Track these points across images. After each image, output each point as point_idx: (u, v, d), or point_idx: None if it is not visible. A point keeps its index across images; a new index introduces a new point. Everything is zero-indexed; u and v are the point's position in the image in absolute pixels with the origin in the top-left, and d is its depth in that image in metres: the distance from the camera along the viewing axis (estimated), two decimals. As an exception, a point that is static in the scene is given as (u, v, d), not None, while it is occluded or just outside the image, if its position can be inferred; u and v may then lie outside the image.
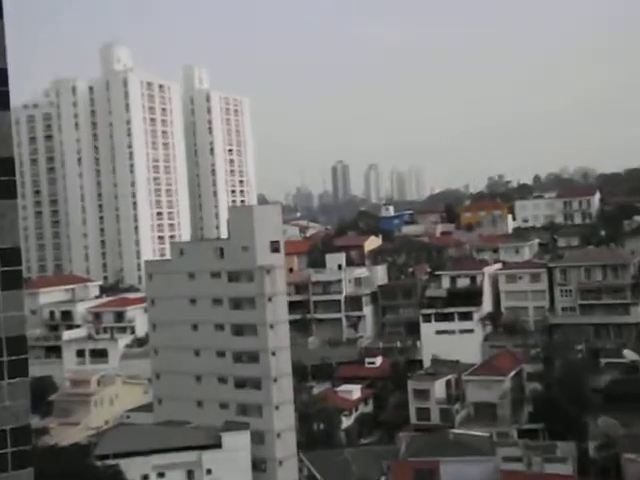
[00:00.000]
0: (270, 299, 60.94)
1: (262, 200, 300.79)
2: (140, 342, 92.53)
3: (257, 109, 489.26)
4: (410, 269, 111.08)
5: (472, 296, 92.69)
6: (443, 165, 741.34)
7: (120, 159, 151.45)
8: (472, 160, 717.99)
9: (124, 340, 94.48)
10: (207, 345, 63.62)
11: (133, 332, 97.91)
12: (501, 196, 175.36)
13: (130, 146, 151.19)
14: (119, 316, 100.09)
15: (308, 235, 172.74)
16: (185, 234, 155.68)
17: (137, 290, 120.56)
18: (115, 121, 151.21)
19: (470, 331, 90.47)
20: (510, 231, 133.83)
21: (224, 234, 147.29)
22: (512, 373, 73.85)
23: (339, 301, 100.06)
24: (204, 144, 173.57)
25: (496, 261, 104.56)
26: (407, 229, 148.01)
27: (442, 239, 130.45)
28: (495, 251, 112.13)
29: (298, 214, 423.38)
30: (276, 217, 63.96)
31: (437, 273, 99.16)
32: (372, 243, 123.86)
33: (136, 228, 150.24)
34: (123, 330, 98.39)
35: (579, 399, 64.99)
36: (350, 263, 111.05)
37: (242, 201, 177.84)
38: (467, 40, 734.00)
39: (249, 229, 61.38)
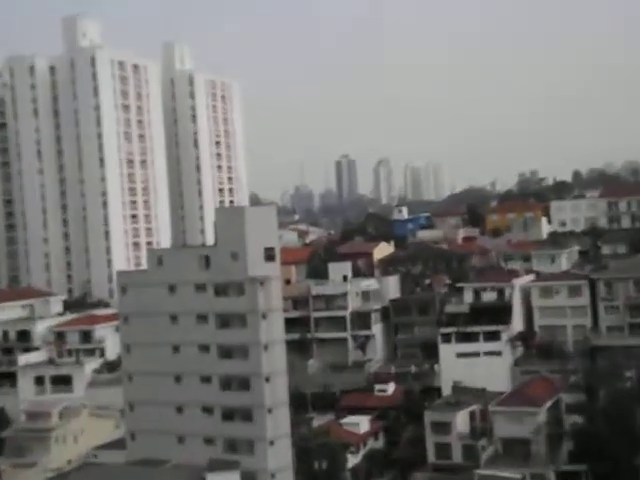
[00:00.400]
0: (264, 316, 61.12)
1: (255, 200, 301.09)
2: (111, 367, 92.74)
3: (249, 95, 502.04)
4: (427, 281, 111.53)
5: (500, 312, 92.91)
6: (465, 160, 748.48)
7: (88, 152, 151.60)
8: (499, 154, 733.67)
9: (92, 364, 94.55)
10: (190, 370, 63.65)
11: (103, 355, 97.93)
12: (534, 195, 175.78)
13: (99, 137, 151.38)
14: (86, 336, 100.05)
15: (308, 241, 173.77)
16: (164, 240, 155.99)
17: (107, 305, 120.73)
18: (81, 107, 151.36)
19: (498, 353, 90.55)
20: (545, 236, 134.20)
21: (210, 240, 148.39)
22: (548, 404, 73.73)
23: (344, 318, 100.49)
24: (187, 135, 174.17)
25: (528, 271, 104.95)
26: (423, 234, 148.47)
27: (464, 246, 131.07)
28: (527, 260, 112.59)
29: (296, 216, 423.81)
30: (271, 220, 64.14)
31: (458, 285, 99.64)
32: (382, 250, 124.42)
33: (107, 233, 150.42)
34: (91, 353, 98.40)
35: (629, 435, 64.46)
36: (357, 274, 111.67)
37: (231, 201, 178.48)
38: (499, 30, 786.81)
39: (239, 234, 61.59)
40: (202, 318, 63.21)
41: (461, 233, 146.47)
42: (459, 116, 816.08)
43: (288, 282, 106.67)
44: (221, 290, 62.38)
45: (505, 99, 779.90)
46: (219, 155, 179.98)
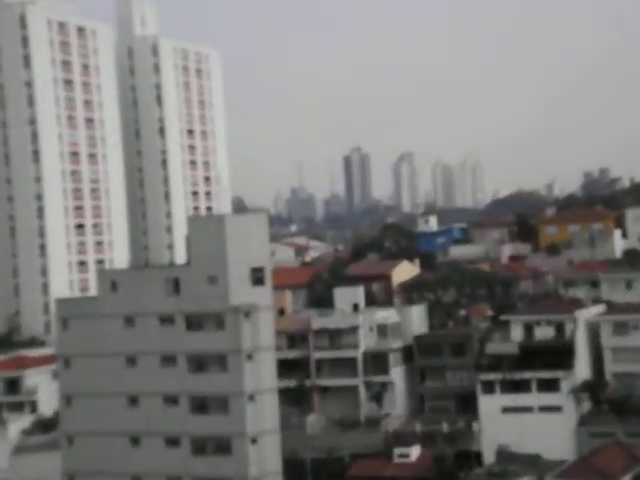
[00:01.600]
0: (250, 357, 61.37)
1: (239, 206, 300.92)
2: (45, 426, 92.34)
3: (232, 73, 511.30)
4: (462, 312, 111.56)
5: (559, 354, 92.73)
6: (512, 155, 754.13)
7: (17, 142, 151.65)
8: (557, 148, 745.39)
9: (19, 423, 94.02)
10: (152, 428, 63.66)
11: (34, 410, 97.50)
12: (604, 201, 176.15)
13: (33, 122, 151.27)
14: (12, 385, 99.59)
15: (309, 259, 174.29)
16: (120, 258, 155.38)
17: (42, 344, 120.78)
18: (7, 82, 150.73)
19: (556, 409, 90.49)
20: (619, 255, 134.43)
21: (181, 258, 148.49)
22: (626, 477, 73.50)
23: (354, 360, 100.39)
24: (150, 121, 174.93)
25: (596, 301, 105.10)
26: (458, 251, 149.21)
27: (511, 266, 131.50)
28: (595, 285, 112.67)
29: (293, 227, 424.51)
30: (260, 232, 64.68)
31: (504, 318, 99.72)
32: (404, 271, 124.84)
33: (42, 248, 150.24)
34: (18, 407, 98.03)
35: None
36: (371, 302, 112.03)
37: (209, 208, 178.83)
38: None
39: (219, 250, 61.99)
40: (169, 360, 63.38)
41: (507, 250, 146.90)
42: (503, 101, 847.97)
43: (282, 312, 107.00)
44: (194, 323, 62.72)
45: (562, 79, 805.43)
46: (193, 148, 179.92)
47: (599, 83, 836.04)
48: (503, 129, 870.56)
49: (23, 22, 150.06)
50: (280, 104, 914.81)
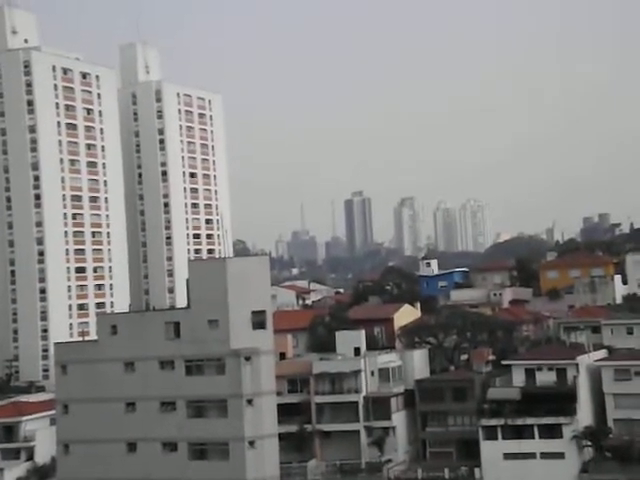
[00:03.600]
0: (250, 402, 60.73)
1: (241, 249, 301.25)
2: (42, 473, 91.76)
3: (233, 117, 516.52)
4: (464, 356, 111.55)
5: (561, 400, 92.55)
6: (513, 200, 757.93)
7: (19, 186, 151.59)
8: (558, 193, 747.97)
9: (15, 471, 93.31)
10: (150, 476, 62.94)
11: (31, 457, 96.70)
12: (604, 246, 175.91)
13: (35, 167, 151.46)
14: (9, 432, 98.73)
15: (310, 302, 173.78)
16: (121, 301, 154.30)
17: (41, 389, 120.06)
18: (10, 127, 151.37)
19: (559, 455, 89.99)
20: (619, 300, 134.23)
21: (181, 301, 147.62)
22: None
23: (356, 404, 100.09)
24: (152, 165, 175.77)
25: (598, 346, 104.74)
26: (459, 295, 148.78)
27: (513, 311, 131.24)
28: (596, 331, 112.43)
29: (295, 270, 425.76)
30: (262, 275, 64.35)
31: (505, 363, 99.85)
32: (406, 315, 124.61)
33: (42, 292, 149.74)
34: (15, 454, 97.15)
35: None
36: (373, 345, 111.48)
37: (210, 251, 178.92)
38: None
39: (220, 293, 61.71)
40: (168, 405, 62.71)
41: (508, 294, 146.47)
42: (505, 148, 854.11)
43: (283, 356, 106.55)
44: (194, 368, 62.18)
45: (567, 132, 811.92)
46: (195, 191, 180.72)
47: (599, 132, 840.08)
48: (503, 173, 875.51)
49: (27, 66, 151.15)
50: (283, 147, 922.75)
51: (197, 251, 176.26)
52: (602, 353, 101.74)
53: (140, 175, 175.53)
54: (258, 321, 62.09)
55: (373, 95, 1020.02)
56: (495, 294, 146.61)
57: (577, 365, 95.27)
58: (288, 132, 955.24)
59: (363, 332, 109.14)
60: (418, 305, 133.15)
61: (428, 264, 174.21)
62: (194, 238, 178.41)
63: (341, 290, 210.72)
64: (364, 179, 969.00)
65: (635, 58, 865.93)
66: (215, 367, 61.53)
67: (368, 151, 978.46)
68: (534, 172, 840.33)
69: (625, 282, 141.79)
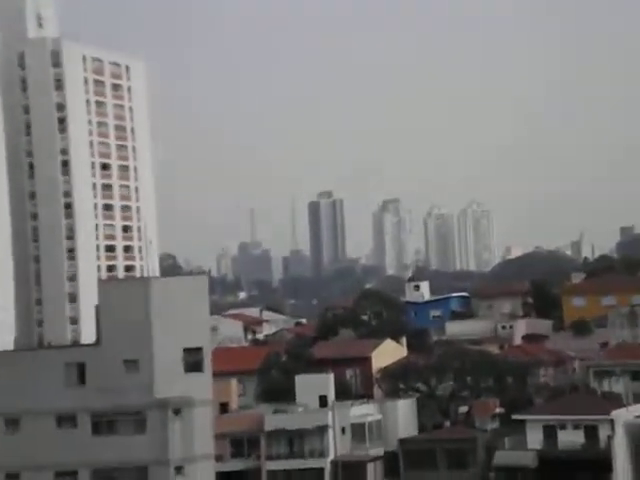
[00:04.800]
0: (180, 470, 59.98)
1: (170, 266, 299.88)
2: None
3: (163, 90, 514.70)
4: (463, 408, 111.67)
5: (591, 468, 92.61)
6: (528, 205, 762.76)
7: None
8: (586, 196, 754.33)
9: None
10: None
11: None
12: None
13: None
14: None
15: (262, 336, 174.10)
16: (4, 337, 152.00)
17: None
18: None
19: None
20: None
21: (89, 336, 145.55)
22: None
23: (321, 471, 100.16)
24: (48, 152, 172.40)
25: (639, 398, 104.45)
26: (457, 327, 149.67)
27: (527, 349, 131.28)
28: (637, 377, 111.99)
29: (242, 294, 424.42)
30: (198, 301, 64.50)
31: (517, 418, 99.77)
32: (388, 354, 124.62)
33: None
34: None
35: None
36: (345, 394, 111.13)
37: (128, 268, 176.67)
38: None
39: (141, 325, 61.57)
40: (67, 476, 61.58)
41: (521, 328, 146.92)
42: (517, 141, 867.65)
43: (225, 408, 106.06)
44: (104, 425, 61.56)
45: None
46: (108, 188, 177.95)
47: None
48: (515, 171, 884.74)
49: None
50: (229, 136, 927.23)
51: (110, 268, 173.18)
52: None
53: (31, 166, 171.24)
54: (192, 361, 62.37)
55: (347, 72, 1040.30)
56: (504, 327, 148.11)
57: (612, 422, 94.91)
58: (237, 115, 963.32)
59: (332, 376, 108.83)
60: (404, 340, 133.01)
61: (417, 287, 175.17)
62: (107, 251, 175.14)
63: (303, 320, 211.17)
64: (335, 177, 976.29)
65: None
66: (133, 423, 61.30)
67: (342, 143, 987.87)
68: (554, 169, 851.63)
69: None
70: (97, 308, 65.49)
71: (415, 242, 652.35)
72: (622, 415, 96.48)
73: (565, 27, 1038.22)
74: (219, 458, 74.67)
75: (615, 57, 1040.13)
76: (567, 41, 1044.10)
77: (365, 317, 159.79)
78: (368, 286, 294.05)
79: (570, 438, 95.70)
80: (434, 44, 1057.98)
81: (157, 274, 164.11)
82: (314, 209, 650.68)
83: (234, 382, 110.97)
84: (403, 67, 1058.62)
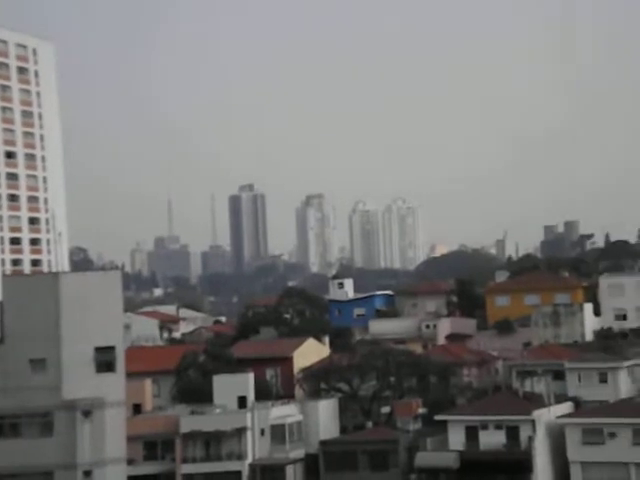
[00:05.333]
0: (89, 474, 59.63)
1: (81, 261, 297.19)
2: None
3: (72, 74, 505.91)
4: (386, 408, 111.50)
5: (512, 469, 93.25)
6: (453, 202, 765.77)
7: None
8: (512, 194, 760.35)
9: None
10: None
11: None
12: (572, 265, 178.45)
13: None
14: None
15: (179, 334, 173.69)
16: None
17: None
18: None
19: None
20: (590, 337, 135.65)
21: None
22: None
23: (239, 474, 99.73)
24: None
25: (561, 398, 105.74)
26: (381, 326, 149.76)
27: (451, 349, 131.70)
28: (559, 377, 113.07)
29: (158, 291, 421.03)
30: (111, 297, 63.97)
31: (440, 418, 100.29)
32: (310, 353, 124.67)
33: None
34: None
35: None
36: (265, 394, 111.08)
37: (35, 262, 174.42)
38: None
39: (49, 322, 60.79)
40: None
41: (445, 327, 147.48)
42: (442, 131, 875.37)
43: (139, 409, 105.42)
44: (7, 427, 60.83)
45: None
46: (13, 178, 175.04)
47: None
48: (443, 169, 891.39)
49: None
50: (143, 121, 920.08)
51: (16, 262, 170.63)
52: (567, 407, 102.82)
53: None
54: (104, 361, 61.73)
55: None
56: (428, 326, 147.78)
57: (533, 422, 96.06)
58: (152, 100, 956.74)
59: (251, 376, 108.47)
60: (326, 340, 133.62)
61: (341, 285, 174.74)
62: (12, 244, 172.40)
63: (222, 318, 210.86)
64: (258, 169, 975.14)
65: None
66: (39, 426, 60.61)
67: (265, 133, 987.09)
68: (480, 164, 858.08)
69: (598, 313, 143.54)
70: (1, 304, 64.60)
71: (340, 239, 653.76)
72: (543, 415, 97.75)
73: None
74: (131, 461, 74.01)
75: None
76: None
77: (287, 316, 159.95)
78: (291, 284, 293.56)
79: (492, 439, 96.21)
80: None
81: (66, 269, 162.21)
82: (235, 203, 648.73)
83: (148, 382, 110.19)
84: (330, 53, 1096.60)
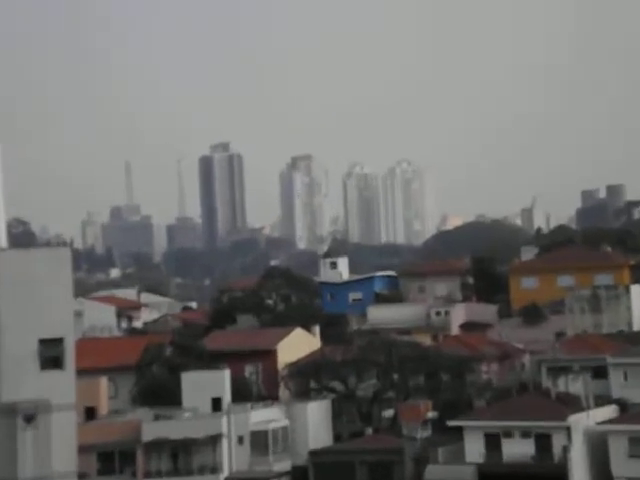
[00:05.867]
0: None
1: (22, 235, 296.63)
2: None
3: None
4: (388, 412, 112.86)
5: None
6: (469, 164, 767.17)
7: None
8: (541, 152, 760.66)
9: None
10: None
11: None
12: (615, 238, 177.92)
13: None
14: None
15: (140, 324, 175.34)
16: None
17: None
18: None
19: None
20: (638, 326, 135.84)
21: None
22: None
23: None
24: None
25: (603, 400, 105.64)
26: (382, 313, 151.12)
27: (466, 340, 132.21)
28: (600, 375, 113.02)
29: (115, 271, 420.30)
30: (58, 279, 64.37)
31: (454, 424, 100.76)
32: (297, 346, 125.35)
33: None
34: None
35: None
36: (243, 394, 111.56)
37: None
38: None
39: None
40: None
41: (460, 314, 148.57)
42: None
43: (93, 413, 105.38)
44: None
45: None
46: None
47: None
48: (456, 123, 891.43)
49: None
50: (91, 68, 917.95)
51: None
52: (610, 411, 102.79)
53: None
54: (50, 356, 62.06)
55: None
56: (439, 313, 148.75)
57: (569, 429, 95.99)
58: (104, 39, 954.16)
59: (227, 373, 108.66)
60: (317, 329, 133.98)
61: (333, 264, 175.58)
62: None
63: (193, 304, 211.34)
64: (233, 126, 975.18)
65: None
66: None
67: (243, 83, 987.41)
68: (502, 115, 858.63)
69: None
70: None
71: (332, 209, 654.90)
72: (581, 421, 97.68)
73: None
74: (83, 476, 73.99)
75: None
76: None
77: (270, 301, 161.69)
78: (274, 263, 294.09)
79: (517, 449, 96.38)
80: None
81: (4, 245, 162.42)
82: (206, 165, 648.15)
83: (104, 381, 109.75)
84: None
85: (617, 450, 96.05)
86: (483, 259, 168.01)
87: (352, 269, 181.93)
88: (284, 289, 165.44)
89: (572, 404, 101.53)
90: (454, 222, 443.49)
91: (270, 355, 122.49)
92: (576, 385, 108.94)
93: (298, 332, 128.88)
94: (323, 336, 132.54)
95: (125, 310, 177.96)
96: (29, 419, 60.17)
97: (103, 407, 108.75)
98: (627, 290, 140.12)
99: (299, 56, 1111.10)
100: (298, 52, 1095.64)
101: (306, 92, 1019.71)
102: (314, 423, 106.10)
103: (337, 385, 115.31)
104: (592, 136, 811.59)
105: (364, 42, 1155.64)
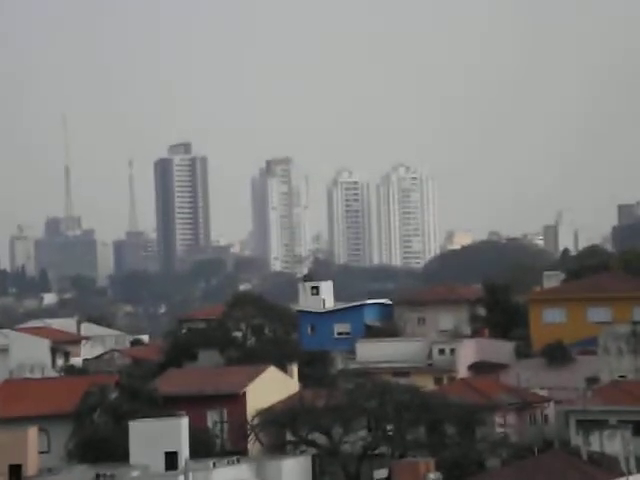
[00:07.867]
0: None
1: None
2: None
3: None
4: (381, 472, 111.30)
5: None
6: (481, 172, 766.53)
7: None
8: (568, 162, 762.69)
9: None
10: None
11: None
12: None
13: None
14: None
15: (78, 361, 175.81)
16: None
17: None
18: None
19: None
20: None
21: None
22: None
23: None
24: None
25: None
26: (371, 350, 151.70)
27: (476, 385, 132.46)
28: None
29: (50, 296, 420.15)
30: None
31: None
32: (271, 388, 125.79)
33: None
34: None
35: None
36: (204, 449, 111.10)
37: None
38: None
39: None
40: None
41: (468, 352, 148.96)
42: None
43: (18, 473, 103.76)
44: None
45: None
46: None
47: None
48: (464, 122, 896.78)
49: None
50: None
51: None
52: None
53: None
54: None
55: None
56: (443, 351, 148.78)
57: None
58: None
59: (185, 421, 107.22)
60: (294, 369, 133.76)
61: (315, 289, 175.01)
62: None
63: (144, 338, 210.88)
64: (197, 123, 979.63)
65: None
66: None
67: (210, 78, 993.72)
68: (520, 121, 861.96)
69: None
70: None
71: (314, 223, 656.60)
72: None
73: None
74: None
75: None
76: None
77: (238, 334, 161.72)
78: (243, 287, 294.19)
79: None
80: None
81: None
82: (163, 170, 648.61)
83: (33, 432, 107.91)
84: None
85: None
86: (497, 286, 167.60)
87: (337, 296, 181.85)
88: (256, 319, 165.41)
89: (608, 467, 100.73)
90: (462, 241, 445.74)
91: (237, 400, 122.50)
92: (613, 443, 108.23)
93: (272, 372, 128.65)
94: (302, 377, 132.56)
95: (61, 344, 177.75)
96: None
97: (32, 465, 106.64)
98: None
99: (279, 47, 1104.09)
100: (279, 41, 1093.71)
101: (284, 85, 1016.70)
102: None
103: (318, 438, 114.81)
104: (631, 141, 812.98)
105: (360, 39, 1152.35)
